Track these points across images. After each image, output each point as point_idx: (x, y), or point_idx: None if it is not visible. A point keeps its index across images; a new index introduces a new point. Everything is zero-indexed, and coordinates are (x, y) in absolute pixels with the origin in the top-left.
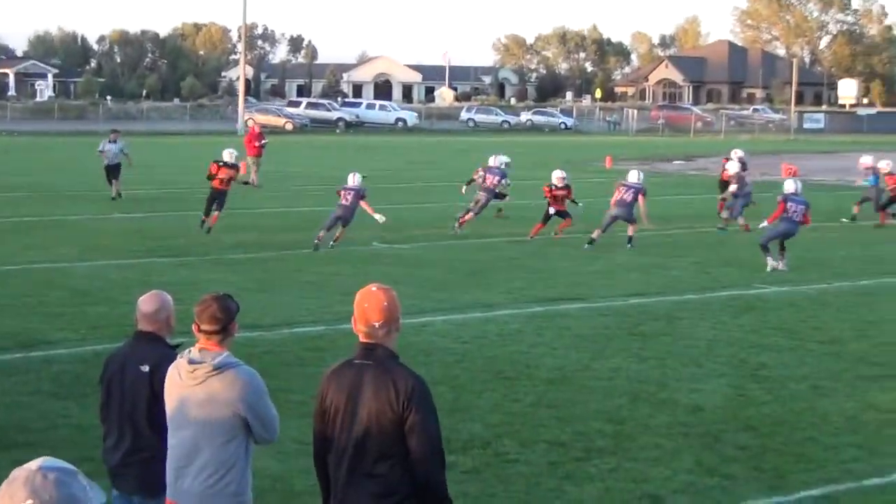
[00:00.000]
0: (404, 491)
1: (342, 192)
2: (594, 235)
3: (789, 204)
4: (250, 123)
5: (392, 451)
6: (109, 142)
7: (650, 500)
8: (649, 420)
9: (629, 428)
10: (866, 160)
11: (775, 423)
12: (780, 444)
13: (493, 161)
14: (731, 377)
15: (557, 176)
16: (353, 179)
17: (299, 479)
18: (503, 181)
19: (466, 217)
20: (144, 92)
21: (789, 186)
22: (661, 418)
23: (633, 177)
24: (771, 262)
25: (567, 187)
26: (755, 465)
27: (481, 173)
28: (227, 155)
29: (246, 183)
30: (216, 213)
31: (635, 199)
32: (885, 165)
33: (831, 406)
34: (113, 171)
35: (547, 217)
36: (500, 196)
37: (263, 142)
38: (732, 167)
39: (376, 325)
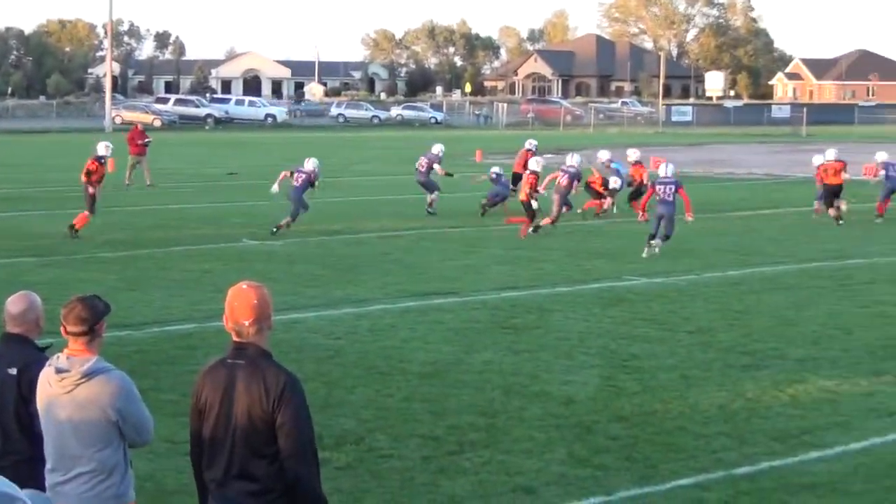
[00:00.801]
0: (280, 489)
1: (294, 175)
2: (542, 223)
3: (658, 186)
4: (118, 120)
5: (266, 450)
6: None
7: (523, 491)
8: (522, 412)
9: (502, 421)
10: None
11: (646, 413)
12: (651, 435)
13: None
14: (602, 368)
15: (540, 163)
16: (308, 164)
17: (171, 478)
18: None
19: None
20: (10, 89)
21: (660, 171)
22: (534, 410)
23: (570, 159)
24: (646, 254)
25: (537, 175)
26: (627, 456)
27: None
28: (104, 148)
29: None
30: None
31: (571, 184)
32: (630, 153)
33: (701, 396)
34: None
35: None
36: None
37: (147, 140)
38: (493, 169)
39: (246, 323)
